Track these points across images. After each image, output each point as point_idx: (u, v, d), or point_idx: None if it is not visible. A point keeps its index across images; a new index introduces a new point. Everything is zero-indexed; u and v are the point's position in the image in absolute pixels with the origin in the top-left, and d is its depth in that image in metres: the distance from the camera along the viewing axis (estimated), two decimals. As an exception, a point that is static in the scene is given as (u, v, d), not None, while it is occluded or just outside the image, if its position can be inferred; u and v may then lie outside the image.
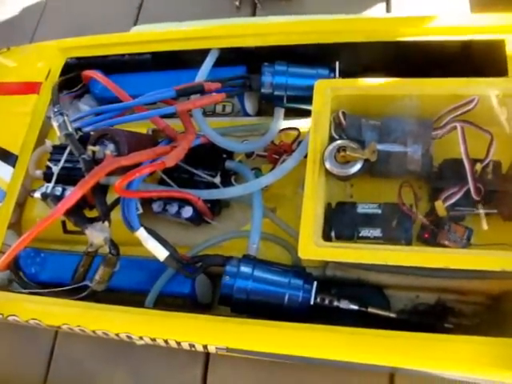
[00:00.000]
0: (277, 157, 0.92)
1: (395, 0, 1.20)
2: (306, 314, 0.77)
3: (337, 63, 0.92)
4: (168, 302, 0.89)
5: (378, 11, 1.19)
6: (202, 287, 0.89)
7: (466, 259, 0.71)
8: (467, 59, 0.92)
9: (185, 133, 0.88)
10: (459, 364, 0.71)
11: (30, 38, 1.43)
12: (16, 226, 1.02)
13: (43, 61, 1.10)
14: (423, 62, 0.94)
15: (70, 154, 0.90)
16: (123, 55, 1.06)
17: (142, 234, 0.79)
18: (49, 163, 0.95)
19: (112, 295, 0.85)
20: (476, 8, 1.17)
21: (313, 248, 0.74)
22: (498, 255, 0.72)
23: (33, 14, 1.46)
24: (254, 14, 1.27)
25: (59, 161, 0.93)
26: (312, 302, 0.77)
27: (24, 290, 0.90)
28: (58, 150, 0.96)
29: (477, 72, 0.85)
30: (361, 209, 0.81)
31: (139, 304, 0.85)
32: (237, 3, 1.26)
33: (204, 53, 0.98)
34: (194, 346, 0.79)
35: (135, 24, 1.36)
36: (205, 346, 0.79)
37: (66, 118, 0.85)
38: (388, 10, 1.19)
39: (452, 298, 0.85)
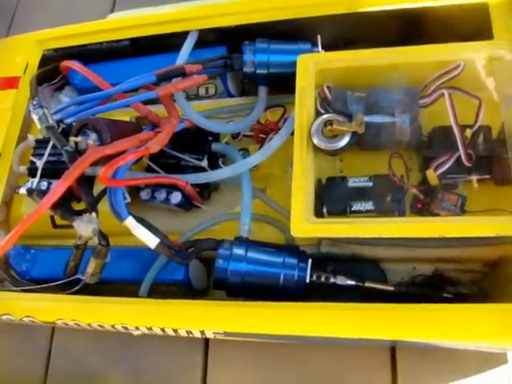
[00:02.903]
0: (264, 136, 0.91)
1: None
2: (302, 293, 0.76)
3: (318, 37, 0.90)
4: (163, 290, 0.87)
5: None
6: (197, 273, 0.87)
7: (460, 227, 0.70)
8: (452, 25, 0.89)
9: (168, 117, 0.86)
10: (460, 332, 0.69)
11: (6, 32, 1.40)
12: (4, 224, 1.00)
13: (20, 54, 1.07)
14: (407, 31, 0.92)
15: (54, 147, 0.88)
16: (101, 43, 1.04)
17: (130, 222, 0.77)
18: (32, 158, 0.92)
19: (105, 287, 0.84)
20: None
21: (305, 225, 0.72)
22: (493, 221, 0.70)
23: (7, 7, 1.43)
24: None
25: (43, 155, 0.90)
26: (308, 280, 0.75)
27: (16, 288, 0.88)
28: (42, 143, 0.93)
29: (463, 37, 0.83)
30: (352, 183, 0.79)
31: (133, 294, 0.84)
32: (214, -17, 1.22)
33: (183, 35, 0.95)
34: (191, 332, 0.78)
35: (112, 11, 1.34)
36: (202, 332, 0.78)
37: (45, 110, 0.83)
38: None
39: (449, 268, 0.84)
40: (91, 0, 1.36)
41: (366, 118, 0.79)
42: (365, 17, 0.91)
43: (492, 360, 0.83)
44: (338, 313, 0.71)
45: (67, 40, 1.05)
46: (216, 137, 0.93)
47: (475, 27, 0.86)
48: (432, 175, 0.76)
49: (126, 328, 0.81)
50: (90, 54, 1.05)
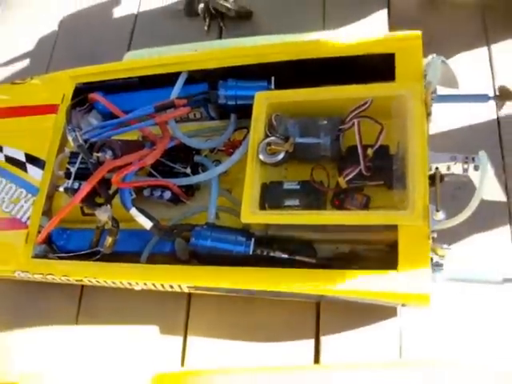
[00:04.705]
0: (232, 151, 1.22)
1: (328, 20, 1.50)
2: (248, 262, 1.06)
3: (272, 78, 1.20)
4: (158, 261, 1.18)
5: (315, 25, 1.50)
6: (182, 248, 1.18)
7: (356, 218, 1.01)
8: (372, 68, 1.14)
9: (162, 138, 1.19)
10: (364, 291, 0.98)
11: (47, 65, 1.75)
12: (48, 212, 1.34)
13: (58, 87, 1.41)
14: (339, 72, 1.18)
15: (83, 157, 1.21)
16: (118, 79, 1.37)
17: (133, 212, 1.11)
18: (68, 165, 1.25)
19: (117, 257, 1.17)
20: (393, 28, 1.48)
21: (250, 215, 1.04)
22: (379, 214, 1.01)
23: (46, 46, 1.78)
24: (220, 35, 1.58)
25: (75, 163, 1.23)
26: (251, 253, 1.06)
27: (54, 256, 1.24)
28: (74, 155, 1.26)
29: (380, 77, 1.14)
30: (286, 186, 1.10)
31: (136, 262, 1.17)
32: (206, 28, 1.56)
33: (177, 74, 1.28)
34: (172, 286, 1.13)
35: (129, 45, 1.68)
36: (180, 286, 1.13)
37: (77, 133, 1.17)
38: (324, 27, 1.50)
39: (362, 248, 1.12)
40: (113, 38, 1.70)
41: (299, 140, 1.11)
42: (309, 62, 1.21)
43: (385, 313, 1.14)
44: (271, 272, 1.03)
45: (93, 76, 1.40)
46: (198, 151, 1.26)
47: (386, 71, 1.13)
48: (342, 181, 1.07)
49: (130, 284, 1.16)
50: (109, 87, 1.39)
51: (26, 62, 1.79)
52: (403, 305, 1.15)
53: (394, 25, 1.51)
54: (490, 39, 1.50)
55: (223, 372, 1.03)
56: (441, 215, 0.96)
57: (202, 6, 1.56)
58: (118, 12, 1.74)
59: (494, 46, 1.49)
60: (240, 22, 1.56)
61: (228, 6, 1.52)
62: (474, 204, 0.91)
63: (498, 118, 1.34)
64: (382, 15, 1.55)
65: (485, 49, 1.49)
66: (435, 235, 0.98)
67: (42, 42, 1.81)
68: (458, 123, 1.32)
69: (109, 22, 1.75)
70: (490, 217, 1.22)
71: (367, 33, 1.26)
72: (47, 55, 1.78)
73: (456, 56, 1.47)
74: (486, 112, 1.28)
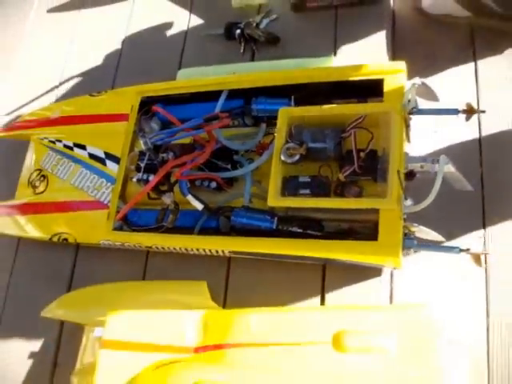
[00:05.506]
0: (262, 151, 1.58)
1: (339, 41, 1.85)
2: (273, 234, 1.42)
3: (292, 97, 1.57)
4: (207, 233, 1.54)
5: (328, 49, 1.84)
6: (224, 224, 1.54)
7: (351, 203, 1.35)
8: (368, 88, 1.50)
9: (209, 142, 1.59)
10: (354, 255, 1.35)
11: (113, 78, 2.09)
12: (123, 197, 1.70)
13: (128, 100, 1.78)
14: (343, 91, 1.57)
15: (149, 156, 1.61)
16: (174, 94, 1.73)
17: (189, 197, 1.48)
18: (138, 162, 1.65)
19: (177, 230, 1.55)
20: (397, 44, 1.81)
21: (275, 200, 1.39)
22: (367, 200, 1.35)
23: (112, 62, 2.12)
24: (253, 57, 1.90)
25: (144, 159, 1.61)
26: (275, 228, 1.43)
27: (130, 229, 1.64)
28: (142, 153, 1.63)
29: (373, 94, 1.50)
30: (300, 179, 1.42)
31: (191, 233, 1.57)
32: (241, 51, 1.93)
33: (219, 92, 1.64)
34: (217, 251, 1.53)
35: (180, 63, 2.03)
36: (222, 251, 1.53)
37: (147, 139, 1.54)
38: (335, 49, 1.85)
39: (357, 225, 1.44)
40: (165, 61, 2.04)
41: (311, 144, 1.48)
42: (321, 84, 1.56)
43: (376, 272, 1.52)
44: (291, 241, 1.40)
45: (155, 92, 1.77)
46: (236, 151, 1.63)
47: (378, 90, 1.47)
48: (341, 176, 1.42)
49: (186, 249, 1.58)
50: (168, 100, 1.76)
51: (95, 76, 2.16)
52: (394, 268, 1.48)
53: (397, 41, 1.81)
54: (477, 55, 1.74)
55: (258, 310, 1.40)
56: (408, 202, 1.33)
57: (238, 31, 1.91)
58: (170, 35, 2.09)
59: (480, 62, 1.74)
60: (269, 45, 1.90)
61: (259, 32, 1.90)
62: (431, 197, 1.20)
63: (479, 123, 1.63)
64: (383, 35, 1.83)
65: (472, 64, 1.74)
66: (405, 216, 1.34)
67: (109, 59, 2.17)
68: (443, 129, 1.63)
69: (163, 42, 2.10)
70: (465, 204, 1.53)
71: (368, 59, 1.57)
72: (113, 70, 2.15)
73: (445, 71, 1.75)
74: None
